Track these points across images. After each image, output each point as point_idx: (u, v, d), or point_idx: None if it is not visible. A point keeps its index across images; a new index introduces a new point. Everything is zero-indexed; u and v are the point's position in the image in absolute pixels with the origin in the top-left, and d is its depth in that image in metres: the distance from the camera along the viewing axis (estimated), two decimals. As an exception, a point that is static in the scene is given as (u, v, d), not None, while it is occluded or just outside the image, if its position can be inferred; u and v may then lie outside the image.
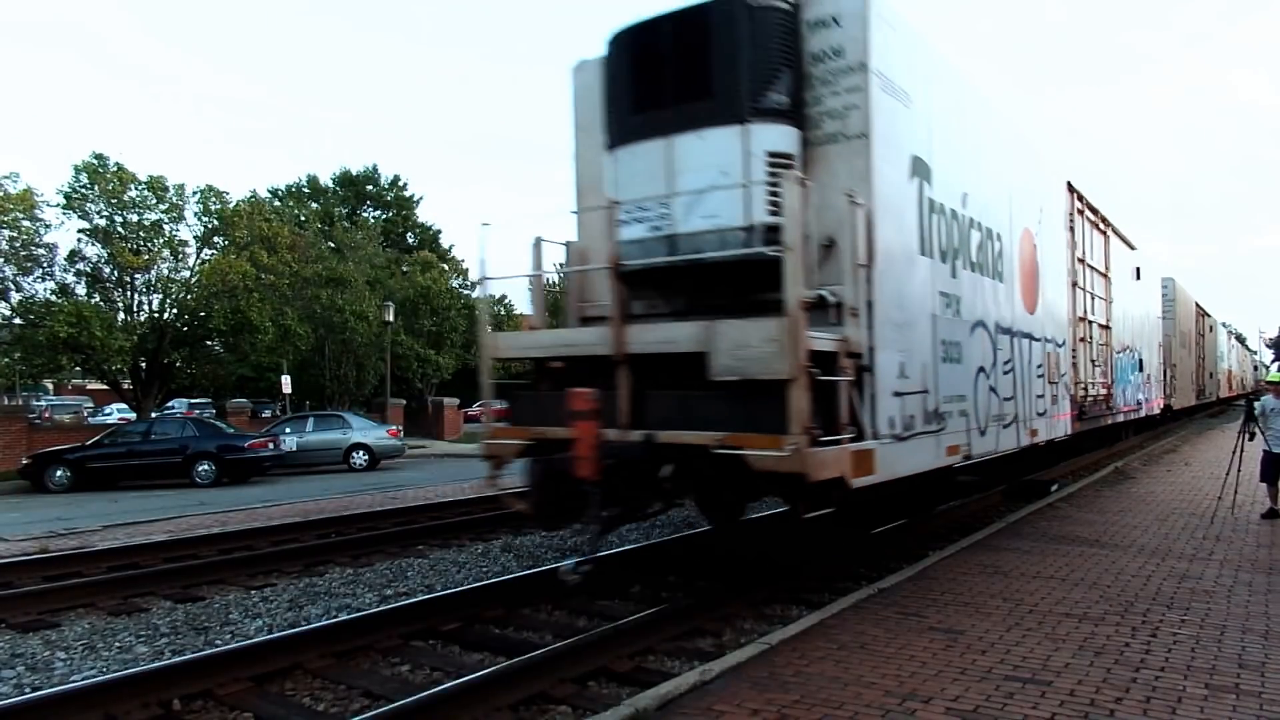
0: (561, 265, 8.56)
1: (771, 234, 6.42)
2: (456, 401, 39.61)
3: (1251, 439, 11.04)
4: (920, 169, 7.56)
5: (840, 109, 6.85)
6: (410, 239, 55.49)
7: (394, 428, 25.98)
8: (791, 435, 5.80)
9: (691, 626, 6.54)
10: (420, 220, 57.29)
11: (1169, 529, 9.57)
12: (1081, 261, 13.35)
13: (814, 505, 6.26)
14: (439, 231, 57.60)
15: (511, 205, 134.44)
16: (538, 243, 8.02)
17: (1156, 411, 20.75)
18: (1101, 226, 14.91)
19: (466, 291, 46.64)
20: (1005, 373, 9.51)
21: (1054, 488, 12.74)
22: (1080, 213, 13.36)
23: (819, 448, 5.90)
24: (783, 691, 4.71)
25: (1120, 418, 16.35)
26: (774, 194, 6.52)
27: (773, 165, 6.61)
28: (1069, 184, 12.78)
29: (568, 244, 8.38)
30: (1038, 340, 10.75)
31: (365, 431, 24.58)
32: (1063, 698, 4.58)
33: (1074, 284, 12.82)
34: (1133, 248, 17.62)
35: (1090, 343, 13.78)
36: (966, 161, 8.62)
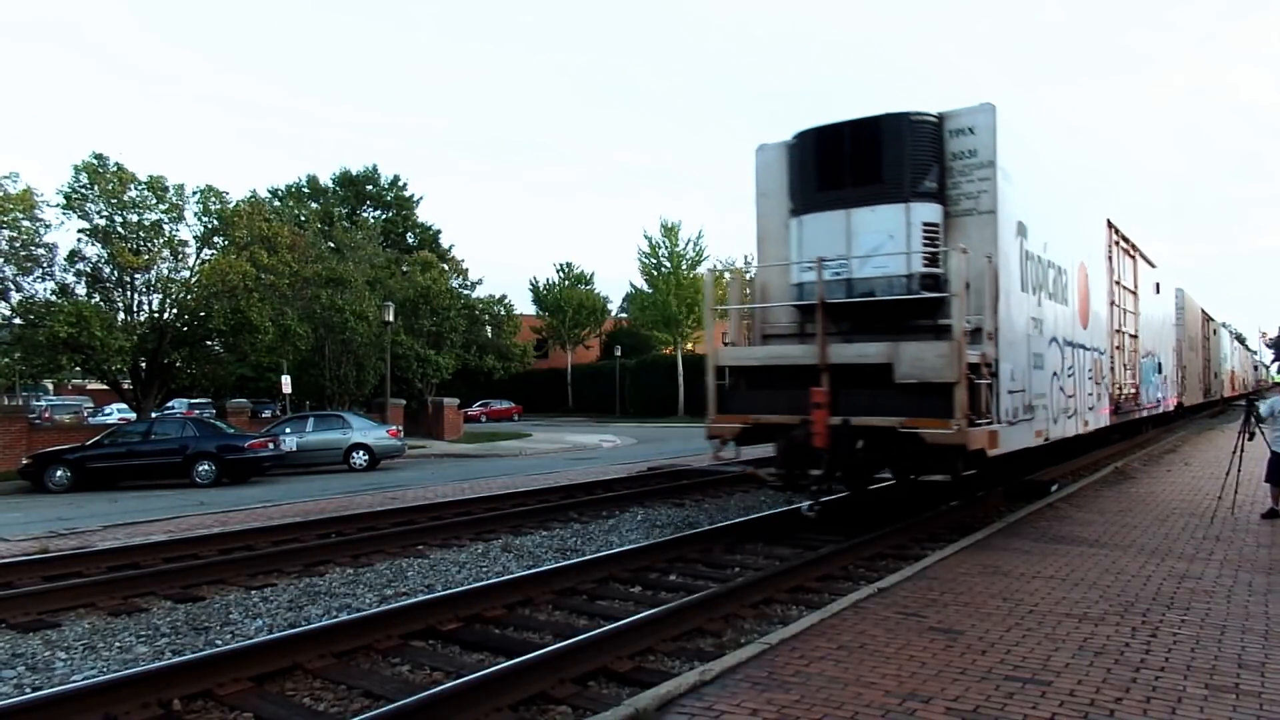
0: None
1: (926, 280, 9.11)
2: (456, 401, 39.57)
3: (1251, 439, 11.05)
4: (1021, 229, 10.08)
5: (974, 192, 9.35)
6: (410, 239, 55.54)
7: (394, 428, 25.94)
8: (956, 419, 8.38)
9: (691, 626, 6.54)
10: (420, 220, 57.43)
11: (1169, 529, 9.58)
12: (1117, 283, 15.66)
13: (967, 467, 8.97)
14: (439, 231, 57.80)
15: (512, 205, 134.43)
16: (737, 279, 10.67)
17: (1171, 408, 23.00)
18: (1131, 252, 17.18)
19: (466, 291, 46.67)
20: (1069, 376, 12.02)
21: (1054, 488, 12.73)
22: (1116, 243, 15.69)
23: (972, 428, 8.42)
24: (783, 691, 4.71)
25: (1144, 413, 18.78)
26: (928, 253, 9.15)
27: (926, 232, 9.20)
28: (1108, 220, 15.17)
29: (750, 280, 10.72)
30: (1088, 350, 13.23)
31: (365, 431, 24.56)
32: (1063, 698, 4.58)
33: (1111, 302, 15.21)
34: (1153, 265, 19.81)
35: (1123, 350, 16.05)
36: (1046, 219, 11.06)
